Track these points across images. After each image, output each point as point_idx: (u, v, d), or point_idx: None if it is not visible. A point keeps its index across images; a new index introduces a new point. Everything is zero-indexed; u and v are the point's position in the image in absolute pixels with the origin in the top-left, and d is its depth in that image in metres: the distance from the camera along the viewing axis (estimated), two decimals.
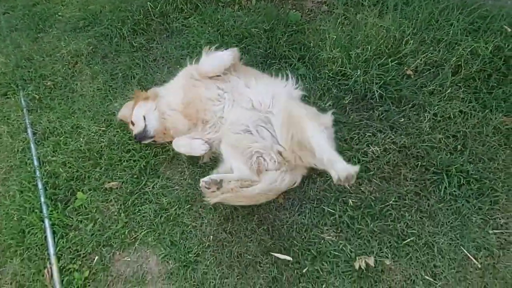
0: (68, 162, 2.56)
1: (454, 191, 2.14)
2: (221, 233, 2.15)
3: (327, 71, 2.71)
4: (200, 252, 2.11)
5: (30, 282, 2.11)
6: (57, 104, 2.95)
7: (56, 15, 3.79)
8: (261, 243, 2.09)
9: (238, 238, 2.12)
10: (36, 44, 3.49)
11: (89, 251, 2.19)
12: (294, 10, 3.28)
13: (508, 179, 2.16)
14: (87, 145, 2.63)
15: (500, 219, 2.05)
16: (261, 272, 2.00)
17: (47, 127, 2.79)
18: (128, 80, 3.06)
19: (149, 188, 2.39)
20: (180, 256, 2.09)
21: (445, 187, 2.15)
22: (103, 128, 2.73)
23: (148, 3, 3.48)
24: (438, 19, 2.73)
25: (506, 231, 2.01)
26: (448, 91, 2.47)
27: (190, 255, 2.09)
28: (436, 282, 1.91)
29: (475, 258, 1.95)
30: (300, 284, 1.96)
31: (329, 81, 2.68)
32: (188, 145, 2.36)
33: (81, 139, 2.68)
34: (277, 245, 2.08)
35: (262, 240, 2.10)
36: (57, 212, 2.31)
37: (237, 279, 2.00)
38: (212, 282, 2.00)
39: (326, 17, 3.14)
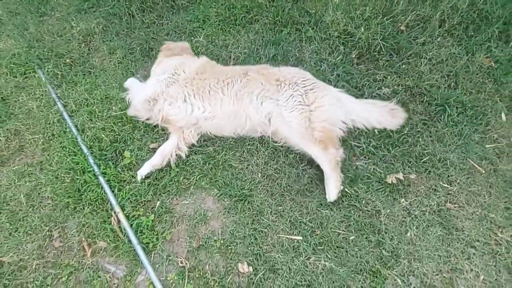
0: (107, 128, 2.70)
1: (455, 118, 2.59)
2: (268, 170, 2.44)
3: (333, 31, 3.07)
4: (252, 188, 2.38)
5: (98, 230, 2.27)
6: (81, 78, 3.06)
7: (55, 0, 3.83)
8: (304, 175, 2.41)
9: (284, 173, 2.42)
10: (43, 26, 3.53)
11: (148, 199, 2.38)
12: None
13: (494, 105, 2.65)
14: (122, 111, 2.78)
15: (493, 135, 2.52)
16: (310, 197, 2.32)
17: (77, 99, 2.90)
18: (146, 53, 3.23)
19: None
20: (235, 192, 2.35)
21: (448, 115, 2.59)
22: None
23: None
24: None
25: (499, 144, 2.48)
26: (438, 39, 2.94)
27: (243, 191, 2.36)
28: (452, 187, 2.33)
29: (479, 166, 2.39)
30: (344, 202, 2.30)
31: (336, 40, 3.04)
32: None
33: (114, 107, 2.83)
34: (318, 175, 2.40)
35: (305, 172, 2.42)
36: (110, 169, 2.47)
37: (290, 205, 2.30)
38: (269, 209, 2.29)
39: None
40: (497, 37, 2.94)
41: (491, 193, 2.28)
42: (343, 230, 2.20)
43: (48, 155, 2.66)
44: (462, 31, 2.98)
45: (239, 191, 2.36)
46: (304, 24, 3.16)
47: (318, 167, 2.40)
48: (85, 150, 2.58)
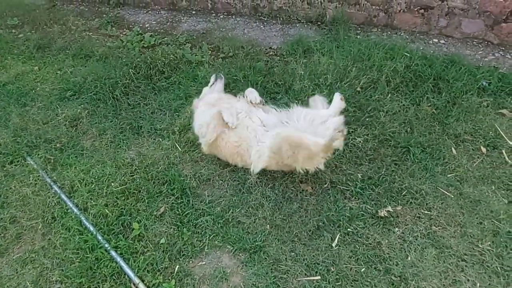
0: (110, 203, 2.76)
1: (418, 156, 3.08)
2: (275, 220, 2.65)
3: (303, 97, 3.58)
4: (264, 239, 2.54)
5: None
6: (74, 160, 3.14)
7: (34, 91, 3.97)
8: (310, 221, 2.64)
9: (291, 221, 2.64)
10: (26, 116, 3.61)
11: (166, 266, 2.42)
12: (257, 61, 4.19)
13: (444, 142, 3.20)
14: (122, 186, 2.88)
15: (451, 166, 3.02)
16: (319, 240, 2.54)
17: (74, 180, 2.95)
18: (136, 130, 3.44)
19: (198, 205, 2.76)
20: (249, 246, 2.49)
21: (412, 155, 3.08)
22: (131, 170, 3.03)
23: (131, 70, 4.01)
24: (364, 53, 3.93)
25: (457, 172, 2.98)
26: (389, 96, 3.56)
27: (257, 243, 2.51)
28: (432, 213, 2.71)
29: (448, 192, 2.83)
30: (349, 240, 2.54)
31: (307, 104, 3.53)
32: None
33: (113, 184, 2.92)
34: (321, 217, 2.66)
35: (310, 218, 2.66)
36: (122, 242, 2.49)
37: (303, 249, 2.49)
38: (284, 256, 2.45)
39: (283, 64, 4.13)
40: (432, 90, 3.65)
41: (464, 213, 2.69)
42: (353, 264, 2.42)
43: (49, 239, 2.62)
44: (404, 87, 3.66)
45: (252, 244, 2.51)
46: (277, 93, 3.65)
47: (320, 212, 2.68)
48: (91, 228, 2.60)
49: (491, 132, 3.21)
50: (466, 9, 4.19)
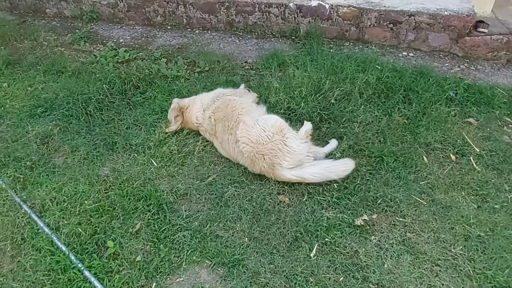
0: (84, 222, 2.68)
1: (391, 164, 3.16)
2: (253, 233, 2.63)
3: (278, 109, 3.63)
4: (243, 252, 2.52)
5: None
6: (45, 179, 3.04)
7: (2, 108, 3.85)
8: (288, 232, 2.65)
9: (269, 232, 2.64)
10: None
11: (142, 284, 2.35)
12: (233, 75, 4.24)
13: (416, 151, 3.30)
14: (96, 204, 2.81)
15: (423, 174, 3.12)
16: (298, 251, 2.54)
17: (45, 199, 2.85)
18: (110, 146, 3.37)
19: (175, 221, 2.72)
20: (227, 260, 2.47)
21: (386, 164, 3.16)
22: (105, 187, 2.96)
23: (105, 85, 3.96)
24: (337, 66, 4.04)
25: (429, 180, 3.07)
26: (362, 107, 3.66)
27: (235, 256, 2.49)
28: (406, 220, 2.77)
29: (421, 199, 2.91)
30: (327, 249, 2.56)
31: (282, 116, 3.57)
32: None
33: (86, 202, 2.84)
34: (299, 228, 2.67)
35: (288, 230, 2.66)
36: (95, 261, 2.42)
37: (282, 259, 2.48)
38: (263, 269, 2.43)
39: (258, 78, 4.19)
40: (402, 101, 3.77)
41: (436, 219, 2.77)
42: (332, 274, 2.43)
43: (19, 261, 2.51)
44: (376, 99, 3.77)
45: (231, 258, 2.48)
46: None
47: (298, 223, 2.69)
48: (63, 248, 2.51)
49: (459, 140, 3.34)
50: (432, 24, 4.39)
